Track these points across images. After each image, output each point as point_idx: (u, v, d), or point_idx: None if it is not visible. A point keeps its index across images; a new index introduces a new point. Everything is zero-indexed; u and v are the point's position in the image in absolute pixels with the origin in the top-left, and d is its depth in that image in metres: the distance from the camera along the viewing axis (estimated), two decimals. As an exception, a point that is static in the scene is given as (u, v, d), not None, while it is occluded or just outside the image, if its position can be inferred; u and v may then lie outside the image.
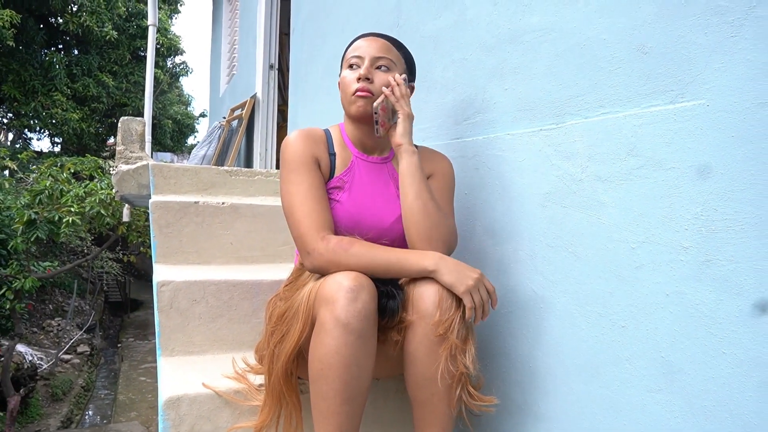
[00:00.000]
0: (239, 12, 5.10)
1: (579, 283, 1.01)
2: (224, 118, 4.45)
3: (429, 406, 1.02)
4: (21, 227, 5.43)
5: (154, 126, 13.43)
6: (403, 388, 1.11)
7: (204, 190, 2.02)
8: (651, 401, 0.87)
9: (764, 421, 0.72)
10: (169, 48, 12.53)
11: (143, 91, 6.65)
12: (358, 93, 1.13)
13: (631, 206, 0.91)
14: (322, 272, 1.04)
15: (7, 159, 6.39)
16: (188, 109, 16.08)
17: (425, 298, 1.00)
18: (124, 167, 2.20)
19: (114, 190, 2.23)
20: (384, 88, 1.13)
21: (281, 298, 1.15)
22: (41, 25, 11.20)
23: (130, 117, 2.37)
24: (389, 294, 1.03)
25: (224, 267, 1.70)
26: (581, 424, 1.00)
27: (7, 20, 8.70)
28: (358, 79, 1.14)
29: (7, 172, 7.67)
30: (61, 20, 10.95)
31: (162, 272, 1.48)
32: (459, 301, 1.00)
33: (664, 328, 0.85)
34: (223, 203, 1.75)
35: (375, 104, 1.12)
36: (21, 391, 6.93)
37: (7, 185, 6.54)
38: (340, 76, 1.20)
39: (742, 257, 0.75)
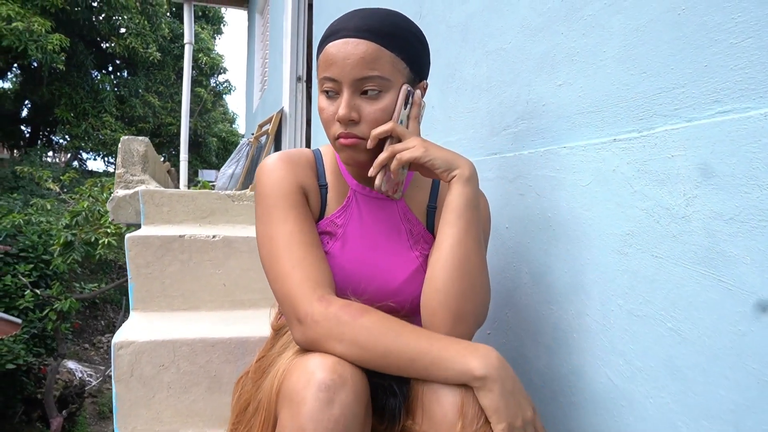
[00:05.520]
0: (269, 25, 4.92)
1: (684, 378, 0.65)
2: (252, 134, 4.25)
3: None
4: (58, 249, 5.40)
5: (199, 144, 13.68)
6: None
7: (202, 219, 1.75)
8: None
9: None
10: (212, 67, 12.69)
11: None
12: (341, 141, 0.78)
13: (783, 264, 0.55)
14: (316, 348, 0.71)
15: (50, 180, 6.45)
16: (233, 126, 16.27)
17: (443, 401, 0.66)
18: (120, 193, 1.96)
19: (110, 218, 2.01)
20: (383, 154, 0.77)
21: (251, 378, 0.84)
22: (92, 49, 11.55)
23: (131, 137, 2.14)
24: (388, 389, 0.70)
25: (215, 313, 1.42)
26: None
27: (56, 44, 8.94)
28: (337, 119, 0.77)
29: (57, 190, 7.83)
30: (109, 44, 11.27)
31: (126, 328, 1.20)
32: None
33: None
34: (214, 237, 1.46)
35: (377, 184, 0.78)
36: (63, 412, 6.92)
37: (48, 206, 6.60)
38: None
39: None
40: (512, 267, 1.00)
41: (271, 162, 0.85)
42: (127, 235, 1.41)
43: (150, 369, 1.12)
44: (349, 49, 0.75)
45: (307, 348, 0.72)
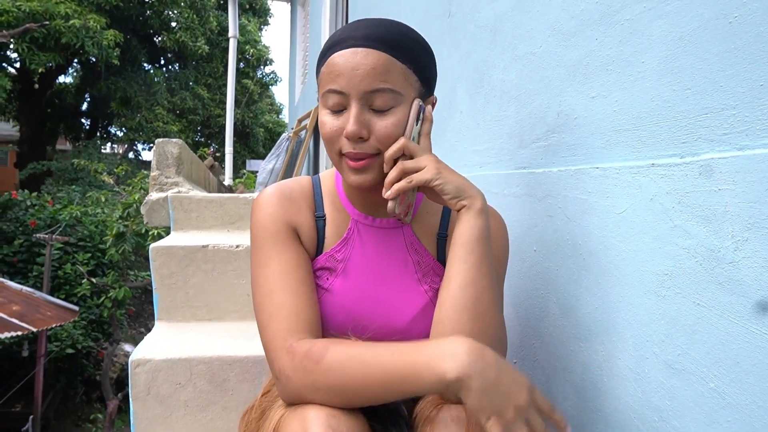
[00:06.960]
0: (310, 18, 4.90)
1: (730, 447, 0.56)
2: (292, 129, 4.25)
3: None
4: (111, 239, 5.62)
5: (246, 135, 13.92)
6: None
7: (230, 224, 1.73)
8: None
9: None
10: (258, 58, 12.85)
11: (235, 101, 6.73)
12: (350, 164, 0.71)
13: None
14: (300, 402, 0.66)
15: (105, 173, 6.72)
16: (279, 117, 16.49)
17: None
18: (154, 196, 1.98)
19: (145, 221, 2.03)
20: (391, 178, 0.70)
21: (254, 417, 0.80)
22: (145, 44, 11.92)
23: (165, 139, 2.16)
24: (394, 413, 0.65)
25: (238, 324, 1.40)
26: None
27: (111, 40, 9.26)
28: (345, 135, 0.70)
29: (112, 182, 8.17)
30: (160, 39, 11.58)
31: (146, 344, 1.19)
32: None
33: None
34: (237, 246, 1.44)
35: (390, 206, 0.71)
36: (119, 395, 7.26)
37: (103, 199, 6.88)
38: (318, 98, 0.78)
39: None
40: (540, 294, 0.92)
41: (263, 197, 0.80)
42: (151, 246, 1.40)
43: (167, 387, 1.10)
44: (358, 59, 0.68)
45: (292, 403, 0.67)
